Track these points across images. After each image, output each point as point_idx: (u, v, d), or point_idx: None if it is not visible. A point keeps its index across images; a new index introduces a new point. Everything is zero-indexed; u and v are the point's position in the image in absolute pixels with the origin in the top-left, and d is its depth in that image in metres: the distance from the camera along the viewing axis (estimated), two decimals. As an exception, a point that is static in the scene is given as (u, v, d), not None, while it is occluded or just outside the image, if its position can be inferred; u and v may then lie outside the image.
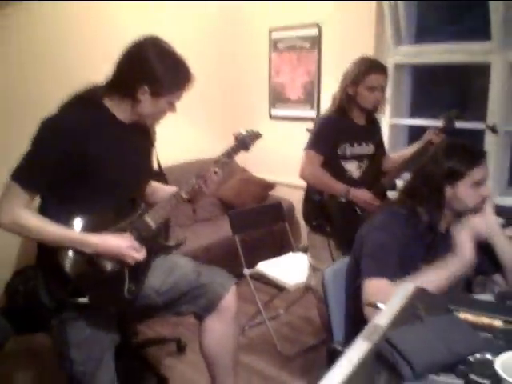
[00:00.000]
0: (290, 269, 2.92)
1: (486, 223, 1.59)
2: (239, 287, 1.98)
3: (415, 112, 3.54)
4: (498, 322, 1.00)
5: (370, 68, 2.43)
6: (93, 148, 1.58)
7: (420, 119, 3.43)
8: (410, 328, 0.97)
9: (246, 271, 2.90)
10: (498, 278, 1.66)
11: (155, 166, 1.93)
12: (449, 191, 1.57)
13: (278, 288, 2.88)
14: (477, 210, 1.59)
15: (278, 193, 4.06)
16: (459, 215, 1.62)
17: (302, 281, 2.75)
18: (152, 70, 1.58)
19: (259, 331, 3.00)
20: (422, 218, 1.58)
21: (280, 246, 3.28)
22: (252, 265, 2.95)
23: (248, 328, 3.00)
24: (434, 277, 1.43)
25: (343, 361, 0.91)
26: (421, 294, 1.10)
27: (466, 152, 1.58)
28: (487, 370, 0.80)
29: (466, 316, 1.01)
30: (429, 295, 1.09)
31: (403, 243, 1.54)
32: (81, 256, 1.60)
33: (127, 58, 1.63)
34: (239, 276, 2.89)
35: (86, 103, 1.63)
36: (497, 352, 0.84)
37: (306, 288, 2.80)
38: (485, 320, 0.99)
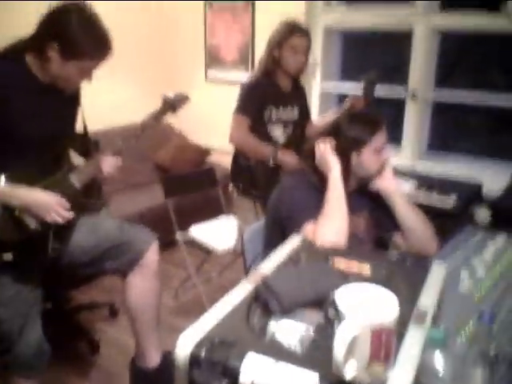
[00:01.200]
0: (221, 233, 2.97)
1: (386, 184, 1.68)
2: (172, 253, 2.03)
3: (345, 77, 3.61)
4: (366, 267, 1.09)
5: (292, 30, 2.48)
6: (12, 104, 1.57)
7: (349, 83, 3.49)
8: (286, 271, 1.06)
9: (179, 235, 2.93)
10: (397, 237, 1.76)
11: (81, 127, 1.92)
12: (354, 159, 1.65)
13: (210, 252, 2.93)
14: (378, 174, 1.68)
15: (215, 158, 4.08)
16: (362, 181, 1.71)
17: (231, 245, 2.81)
18: (65, 28, 1.56)
19: (191, 295, 3.06)
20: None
21: (213, 211, 3.32)
22: (185, 229, 2.99)
23: (180, 292, 3.06)
24: (327, 210, 1.52)
25: (224, 301, 0.99)
26: (306, 244, 1.18)
27: (366, 121, 1.67)
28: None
29: (339, 261, 1.10)
30: (312, 245, 1.18)
31: (311, 201, 1.60)
32: (5, 212, 1.60)
33: (48, 14, 1.60)
34: (172, 242, 2.94)
35: (7, 59, 1.62)
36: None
37: (236, 252, 2.87)
38: (354, 264, 1.08)
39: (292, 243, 1.21)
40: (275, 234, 1.60)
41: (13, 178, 1.62)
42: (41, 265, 1.78)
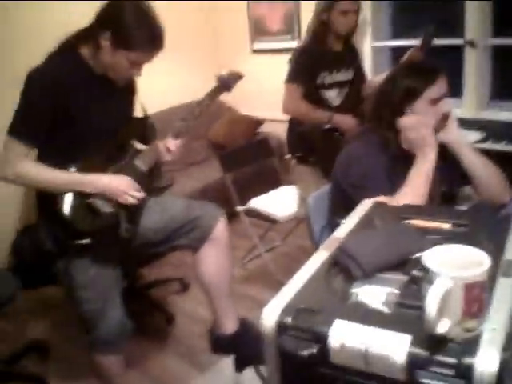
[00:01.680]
0: (281, 202, 3.00)
1: (451, 137, 1.61)
2: (234, 224, 2.07)
3: (397, 33, 3.49)
4: (446, 225, 1.07)
5: None
6: (73, 98, 1.63)
7: (401, 40, 3.38)
8: (363, 235, 1.06)
9: (240, 208, 2.98)
10: (468, 190, 1.71)
11: (140, 112, 1.96)
12: (408, 111, 1.57)
13: (271, 221, 2.97)
14: (438, 127, 1.60)
15: (268, 129, 4.08)
16: None
17: (292, 212, 2.83)
18: (119, 19, 1.58)
19: (258, 263, 3.13)
20: (391, 142, 1.59)
21: (271, 182, 3.34)
22: (245, 202, 3.03)
23: (247, 261, 3.13)
24: (413, 183, 1.47)
25: (304, 269, 1.00)
26: (378, 207, 1.17)
27: (420, 71, 1.59)
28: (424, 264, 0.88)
29: (417, 222, 1.09)
30: (384, 207, 1.16)
31: (382, 169, 1.57)
32: (79, 200, 1.68)
33: (105, 6, 1.63)
34: (234, 215, 2.99)
35: (64, 55, 1.66)
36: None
37: (298, 218, 2.89)
38: (433, 224, 1.07)
39: (363, 208, 1.21)
40: (343, 201, 1.57)
41: (81, 169, 1.70)
42: (116, 246, 1.86)
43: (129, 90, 1.90)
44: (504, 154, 2.40)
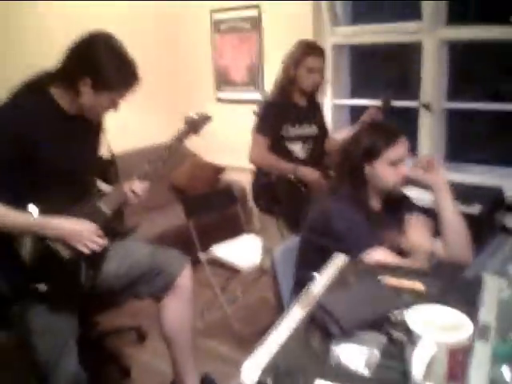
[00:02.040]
0: (243, 251, 2.98)
1: (438, 180, 1.64)
2: (195, 273, 2.05)
3: (356, 92, 3.66)
4: (419, 285, 1.10)
5: (307, 50, 2.53)
6: (38, 137, 1.60)
7: (360, 99, 3.54)
8: (339, 293, 1.07)
9: (202, 255, 2.95)
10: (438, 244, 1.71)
11: (107, 154, 1.95)
12: (367, 170, 1.63)
13: (234, 271, 2.94)
14: (397, 189, 1.65)
15: (229, 176, 4.11)
16: (385, 194, 1.68)
17: (256, 262, 2.82)
18: (97, 63, 1.59)
19: (217, 315, 3.05)
20: (359, 197, 1.64)
21: (233, 229, 3.34)
22: (206, 249, 3.01)
23: (206, 312, 3.07)
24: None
25: (281, 327, 1.00)
26: (351, 263, 1.20)
27: (382, 132, 1.64)
28: (404, 325, 0.90)
29: (390, 281, 1.12)
30: (359, 264, 1.19)
31: (363, 222, 1.59)
32: (38, 242, 1.62)
33: (76, 47, 1.63)
34: (195, 262, 2.95)
35: (32, 91, 1.64)
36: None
37: (261, 269, 2.88)
38: (406, 283, 1.10)
39: (336, 264, 1.23)
40: (315, 256, 1.54)
41: (44, 210, 1.65)
42: (75, 293, 1.80)
43: (96, 131, 1.89)
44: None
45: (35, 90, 1.65)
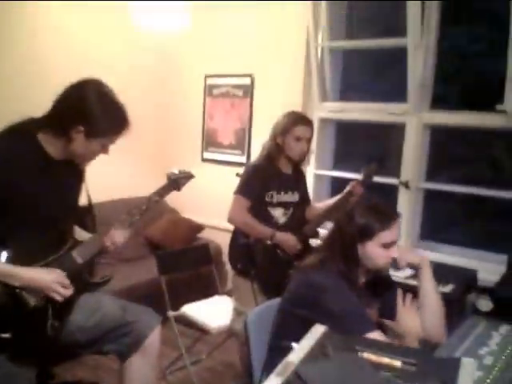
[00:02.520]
0: (214, 312, 2.94)
1: (420, 260, 1.72)
2: (162, 330, 2.00)
3: (338, 164, 3.78)
4: (396, 362, 1.10)
5: (297, 120, 2.62)
6: (19, 181, 1.59)
7: (342, 171, 3.65)
8: (318, 364, 1.06)
9: (171, 313, 2.88)
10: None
11: (85, 202, 1.94)
12: (360, 248, 1.63)
13: (202, 331, 2.88)
14: (386, 270, 1.69)
15: (207, 235, 4.10)
16: (372, 273, 1.69)
17: (226, 324, 2.77)
18: (89, 110, 1.62)
19: (181, 376, 2.97)
20: (348, 274, 1.63)
21: (206, 289, 3.30)
22: (177, 307, 2.95)
23: (169, 372, 2.96)
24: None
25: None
26: (330, 335, 1.19)
27: (378, 213, 1.63)
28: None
29: (368, 356, 1.11)
30: (337, 336, 1.19)
31: (355, 299, 1.59)
32: (3, 289, 1.58)
33: (66, 95, 1.66)
34: (163, 319, 2.87)
35: (18, 135, 1.65)
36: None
37: (230, 332, 2.83)
38: (385, 360, 1.09)
39: (315, 334, 1.22)
40: (295, 327, 1.44)
41: (16, 254, 1.62)
42: (39, 344, 1.73)
43: (79, 177, 1.89)
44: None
45: (21, 134, 1.66)
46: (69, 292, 1.69)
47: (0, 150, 1.60)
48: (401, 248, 1.69)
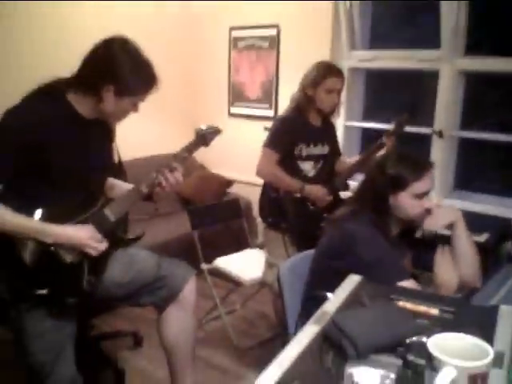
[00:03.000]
0: (247, 264, 2.99)
1: (454, 216, 1.67)
2: (197, 282, 2.04)
3: (368, 115, 3.69)
4: (434, 310, 1.11)
5: (328, 71, 2.54)
6: (52, 141, 1.60)
7: (372, 122, 3.58)
8: (355, 313, 1.07)
9: (204, 266, 2.95)
10: (428, 274, 1.74)
11: (115, 160, 1.95)
12: (391, 199, 1.61)
13: (235, 283, 2.94)
14: (419, 220, 1.64)
15: (236, 190, 4.12)
16: (404, 223, 1.67)
17: (258, 276, 2.82)
18: (118, 69, 1.60)
19: (216, 325, 3.06)
20: (380, 224, 1.62)
21: (238, 242, 3.35)
22: (210, 260, 3.01)
23: (205, 322, 3.06)
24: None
25: (294, 342, 1.00)
26: (365, 284, 1.20)
27: (410, 164, 1.61)
28: (423, 351, 0.90)
29: (404, 304, 1.12)
30: (372, 285, 1.19)
31: (389, 251, 1.58)
32: (40, 247, 1.62)
33: (94, 54, 1.64)
34: (197, 272, 2.94)
35: (48, 96, 1.64)
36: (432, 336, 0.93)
37: (262, 283, 2.88)
38: (422, 308, 1.10)
39: (350, 284, 1.23)
40: (331, 277, 1.48)
41: (50, 213, 1.64)
42: (76, 299, 1.77)
43: (110, 137, 1.90)
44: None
45: (51, 94, 1.65)
46: (103, 246, 1.72)
47: (30, 111, 1.60)
48: (434, 212, 1.64)
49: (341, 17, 3.44)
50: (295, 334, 1.38)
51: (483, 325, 1.03)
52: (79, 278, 1.72)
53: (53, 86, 1.67)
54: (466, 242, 1.66)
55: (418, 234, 1.73)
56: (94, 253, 1.69)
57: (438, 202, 2.99)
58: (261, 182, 2.70)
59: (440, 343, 0.83)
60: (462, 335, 0.85)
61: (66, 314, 1.77)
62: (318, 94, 2.53)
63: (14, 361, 1.85)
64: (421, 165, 1.63)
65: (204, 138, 1.96)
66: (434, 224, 1.65)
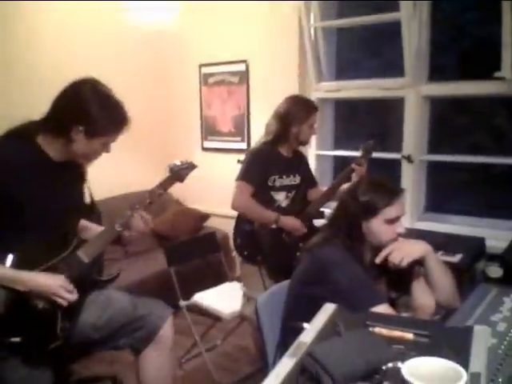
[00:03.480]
0: (225, 298, 2.94)
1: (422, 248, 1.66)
2: (175, 320, 2.01)
3: (339, 143, 3.76)
4: (408, 335, 1.11)
5: (311, 109, 2.65)
6: (20, 186, 1.59)
7: (343, 150, 3.65)
8: (331, 343, 1.06)
9: (182, 303, 2.90)
10: (405, 298, 1.76)
11: (88, 200, 1.94)
12: (364, 225, 1.62)
13: (215, 318, 2.89)
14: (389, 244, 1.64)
15: (213, 223, 4.11)
16: (377, 249, 1.66)
17: (237, 310, 2.79)
18: (88, 110, 1.61)
19: (196, 363, 2.99)
20: (353, 250, 1.62)
21: (216, 277, 3.31)
22: (188, 296, 2.96)
23: (185, 361, 2.99)
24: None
25: (271, 377, 0.98)
26: (341, 312, 1.20)
27: (381, 190, 1.63)
28: (398, 377, 0.89)
29: (380, 330, 1.12)
30: (347, 313, 1.19)
31: (363, 276, 1.58)
32: (11, 293, 1.58)
33: (64, 96, 1.65)
34: (175, 309, 2.89)
35: (18, 139, 1.64)
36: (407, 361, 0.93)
37: (242, 317, 2.84)
38: (396, 333, 1.10)
39: (326, 313, 1.22)
40: (306, 306, 1.43)
41: (22, 257, 1.62)
42: (50, 346, 1.72)
43: (81, 177, 1.89)
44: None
45: (20, 138, 1.65)
46: (73, 297, 1.68)
47: (0, 155, 1.59)
48: (401, 247, 1.63)
49: (306, 50, 3.53)
50: (274, 365, 1.37)
51: (458, 346, 1.04)
52: (53, 324, 1.68)
53: (22, 129, 1.67)
54: (439, 272, 1.66)
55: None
56: (63, 303, 1.66)
57: (409, 226, 3.04)
58: (236, 213, 2.70)
59: (415, 368, 0.83)
60: (435, 359, 0.85)
61: (41, 361, 1.72)
62: (302, 130, 2.60)
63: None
64: (392, 191, 1.65)
65: (178, 174, 1.97)
66: (404, 259, 1.61)
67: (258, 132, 2.76)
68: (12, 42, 3.28)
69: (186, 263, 3.16)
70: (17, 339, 1.59)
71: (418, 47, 3.08)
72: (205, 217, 4.11)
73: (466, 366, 0.96)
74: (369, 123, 3.76)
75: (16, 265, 1.61)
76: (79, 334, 1.78)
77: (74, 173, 1.81)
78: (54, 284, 1.63)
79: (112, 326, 1.85)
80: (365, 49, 3.67)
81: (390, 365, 0.95)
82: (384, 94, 3.32)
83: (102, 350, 1.98)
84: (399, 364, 0.94)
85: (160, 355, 1.90)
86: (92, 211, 1.98)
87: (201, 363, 2.94)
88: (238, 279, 3.09)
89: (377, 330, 1.12)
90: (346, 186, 2.51)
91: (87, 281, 1.78)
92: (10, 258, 1.61)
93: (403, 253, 1.60)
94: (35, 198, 1.62)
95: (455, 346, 1.03)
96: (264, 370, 1.79)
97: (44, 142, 1.66)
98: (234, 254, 2.80)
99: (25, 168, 1.61)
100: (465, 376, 0.78)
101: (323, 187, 2.90)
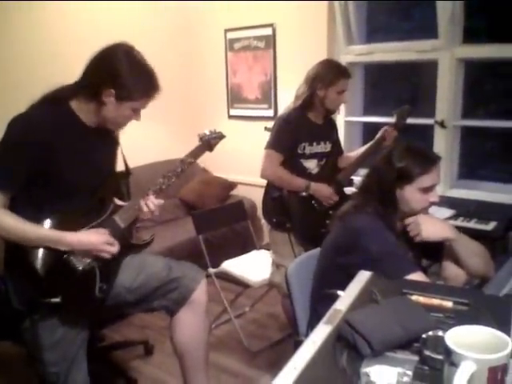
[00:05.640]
0: (253, 266, 2.97)
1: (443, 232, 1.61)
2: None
3: (368, 109, 3.66)
4: (447, 303, 1.08)
5: (341, 73, 2.51)
6: (56, 149, 1.60)
7: (373, 116, 3.55)
8: (367, 310, 1.05)
9: (211, 270, 2.93)
10: (436, 267, 1.74)
11: (122, 166, 1.94)
12: (398, 193, 1.59)
13: (243, 286, 2.92)
14: (424, 213, 1.62)
15: (240, 192, 4.11)
16: (408, 215, 1.64)
17: (266, 277, 2.80)
18: (119, 74, 1.61)
19: (226, 329, 3.04)
20: (385, 217, 1.59)
21: (243, 245, 3.33)
22: (216, 264, 2.99)
23: (215, 327, 3.04)
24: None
25: (307, 344, 0.98)
26: (376, 280, 1.18)
27: (418, 157, 1.58)
28: (439, 345, 0.88)
29: (417, 298, 1.10)
30: (384, 280, 1.17)
31: (396, 244, 1.56)
32: (52, 256, 1.62)
33: (97, 60, 1.65)
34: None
35: (52, 105, 1.65)
36: (447, 330, 0.91)
37: (270, 284, 2.86)
38: (435, 301, 1.08)
39: (361, 280, 1.21)
40: (339, 274, 1.49)
41: (60, 221, 1.65)
42: (88, 306, 1.78)
43: (113, 144, 1.89)
44: (475, 232, 2.44)
45: (55, 102, 1.66)
46: (115, 249, 1.72)
47: (35, 120, 1.61)
48: (423, 222, 1.60)
49: (336, 13, 3.42)
50: (307, 334, 1.37)
51: (498, 315, 1.01)
52: (91, 286, 1.72)
53: (56, 94, 1.68)
54: (466, 254, 1.62)
55: None
56: (107, 256, 1.70)
57: (442, 193, 2.97)
58: (263, 182, 2.67)
59: (457, 337, 0.81)
60: (478, 327, 0.82)
61: (78, 322, 1.78)
62: (328, 95, 2.50)
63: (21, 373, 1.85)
64: (429, 158, 1.60)
65: (208, 143, 1.98)
66: (429, 236, 1.59)
67: (285, 99, 2.70)
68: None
69: (215, 231, 3.18)
70: (57, 299, 1.63)
71: (453, 9, 2.94)
72: (231, 185, 4.11)
73: (507, 335, 0.94)
74: (400, 88, 3.64)
75: (55, 228, 1.64)
76: (115, 296, 1.82)
77: (107, 138, 1.82)
78: (97, 239, 1.67)
79: (146, 288, 1.88)
80: (396, 12, 3.53)
81: (430, 333, 0.93)
82: (417, 56, 3.19)
83: (137, 311, 2.02)
84: (440, 333, 0.92)
85: (194, 317, 1.94)
86: (127, 176, 1.99)
87: (230, 329, 2.99)
88: (266, 247, 3.10)
89: (414, 297, 1.10)
90: (378, 152, 2.44)
91: (123, 245, 1.80)
92: (47, 222, 1.64)
93: (422, 230, 1.58)
94: (73, 161, 1.64)
95: (495, 314, 1.01)
96: (294, 337, 1.80)
97: (77, 107, 1.67)
98: (262, 222, 2.79)
99: (62, 129, 1.62)
100: (510, 344, 0.76)
101: (352, 153, 2.84)
